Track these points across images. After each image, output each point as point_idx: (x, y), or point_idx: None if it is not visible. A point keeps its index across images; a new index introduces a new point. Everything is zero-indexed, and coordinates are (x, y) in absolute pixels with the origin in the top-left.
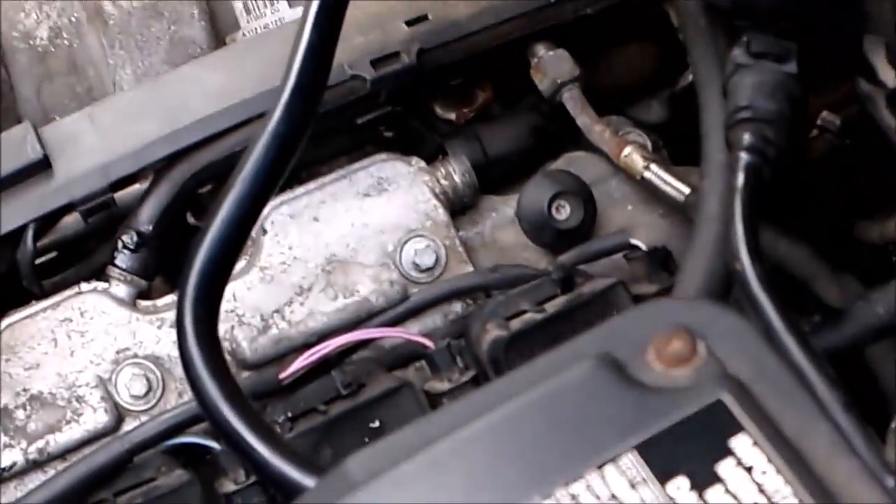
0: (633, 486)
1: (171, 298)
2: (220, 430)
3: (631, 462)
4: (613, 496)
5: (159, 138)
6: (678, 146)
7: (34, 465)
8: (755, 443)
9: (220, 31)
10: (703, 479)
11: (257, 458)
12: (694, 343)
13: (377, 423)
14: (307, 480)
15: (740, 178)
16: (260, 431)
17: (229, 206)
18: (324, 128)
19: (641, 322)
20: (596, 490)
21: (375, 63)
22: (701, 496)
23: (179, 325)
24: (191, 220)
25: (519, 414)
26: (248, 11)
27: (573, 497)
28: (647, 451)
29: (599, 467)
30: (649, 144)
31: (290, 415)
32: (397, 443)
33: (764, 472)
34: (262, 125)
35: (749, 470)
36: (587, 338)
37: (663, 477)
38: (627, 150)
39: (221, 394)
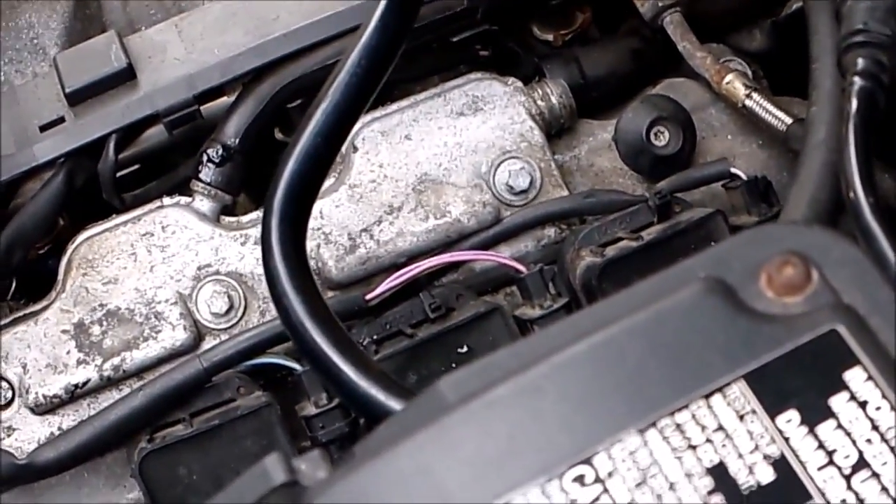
0: (741, 417)
1: (257, 215)
2: (305, 349)
3: (739, 392)
4: (720, 427)
5: (247, 50)
6: (779, 77)
7: (109, 383)
8: (869, 377)
9: None
10: (815, 413)
11: (343, 379)
12: (808, 270)
13: (465, 349)
14: (395, 404)
15: (853, 104)
16: (347, 352)
17: (320, 117)
18: (418, 44)
19: (753, 247)
20: (702, 420)
21: None
22: (812, 431)
23: (265, 238)
24: (278, 135)
25: (622, 337)
26: None
27: (678, 426)
28: (757, 381)
29: (706, 396)
30: (750, 73)
31: (375, 337)
32: (492, 365)
33: (878, 409)
34: (356, 36)
35: (863, 405)
36: (695, 261)
37: (773, 409)
38: (729, 77)
39: (307, 312)
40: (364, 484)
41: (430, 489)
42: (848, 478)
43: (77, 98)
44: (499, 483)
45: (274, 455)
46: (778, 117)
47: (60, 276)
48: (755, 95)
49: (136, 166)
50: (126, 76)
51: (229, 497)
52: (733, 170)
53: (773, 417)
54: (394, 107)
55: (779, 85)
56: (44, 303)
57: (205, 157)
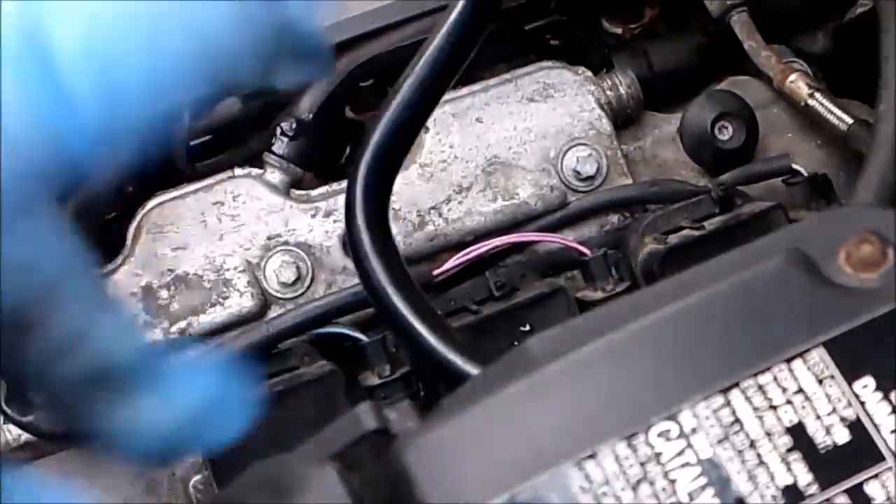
0: (819, 381)
1: (327, 188)
2: (385, 313)
3: (819, 358)
4: (800, 389)
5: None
6: (838, 81)
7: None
8: None
9: None
10: (889, 380)
11: (424, 344)
12: (885, 249)
13: (528, 327)
14: (473, 369)
15: None
16: (428, 317)
17: (407, 90)
18: (492, 30)
19: (832, 225)
20: (783, 383)
21: None
22: (886, 397)
23: (349, 203)
24: (349, 113)
25: (708, 302)
26: None
27: (760, 388)
28: (835, 349)
29: (787, 361)
30: (811, 74)
31: (440, 313)
32: (580, 326)
33: None
34: (446, 14)
35: None
36: (778, 236)
37: (850, 375)
38: (793, 76)
39: (388, 277)
40: (453, 433)
41: (519, 440)
42: None
43: None
44: (586, 436)
45: (365, 403)
46: (839, 117)
47: (129, 241)
48: (818, 95)
49: (208, 137)
50: None
51: (320, 442)
52: (794, 166)
53: (850, 383)
54: (465, 90)
55: (838, 89)
56: (111, 266)
57: (278, 130)
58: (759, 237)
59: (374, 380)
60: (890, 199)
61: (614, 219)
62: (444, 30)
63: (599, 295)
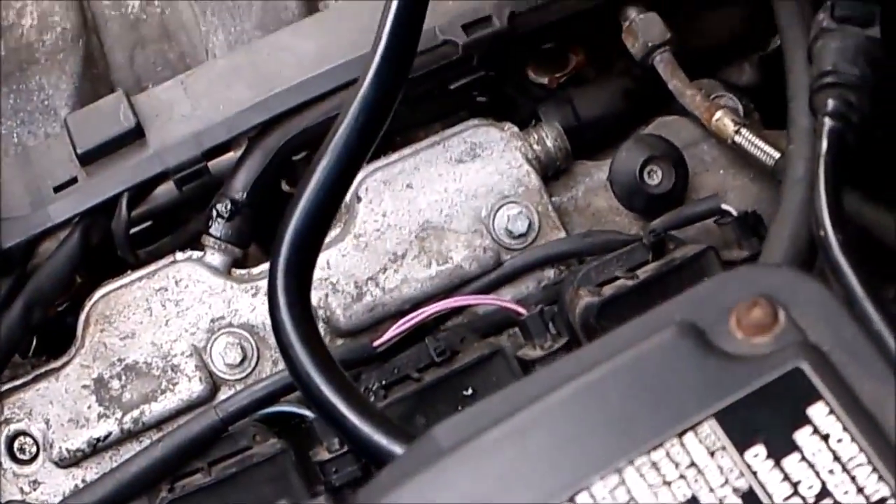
0: (711, 454)
1: (266, 266)
2: (310, 396)
3: (710, 430)
4: (693, 463)
5: (252, 105)
6: (771, 109)
7: (129, 435)
8: (831, 411)
9: None
10: (781, 447)
11: (347, 425)
12: (775, 311)
13: (470, 391)
14: (397, 448)
15: (824, 144)
16: (350, 398)
17: (321, 173)
18: (417, 93)
19: (724, 290)
20: (675, 457)
21: (467, 27)
22: (778, 464)
23: (271, 292)
24: (285, 187)
25: (602, 382)
26: None
27: (654, 464)
28: (726, 419)
29: (679, 435)
30: (741, 108)
31: (384, 382)
32: (484, 410)
33: (840, 441)
34: (352, 91)
35: (825, 438)
36: (670, 306)
37: (742, 445)
38: (718, 114)
39: (311, 361)
40: None
41: None
42: None
43: (89, 158)
44: None
45: (282, 501)
46: (766, 152)
47: (79, 333)
48: (744, 132)
49: (148, 223)
50: (135, 135)
51: None
52: (724, 206)
53: (741, 452)
54: (395, 156)
55: (772, 117)
56: (64, 359)
57: (214, 213)
58: (692, 281)
59: (324, 454)
60: (804, 248)
61: (551, 273)
62: (351, 108)
63: (539, 353)
